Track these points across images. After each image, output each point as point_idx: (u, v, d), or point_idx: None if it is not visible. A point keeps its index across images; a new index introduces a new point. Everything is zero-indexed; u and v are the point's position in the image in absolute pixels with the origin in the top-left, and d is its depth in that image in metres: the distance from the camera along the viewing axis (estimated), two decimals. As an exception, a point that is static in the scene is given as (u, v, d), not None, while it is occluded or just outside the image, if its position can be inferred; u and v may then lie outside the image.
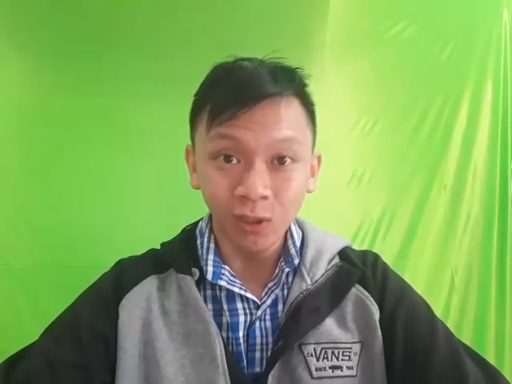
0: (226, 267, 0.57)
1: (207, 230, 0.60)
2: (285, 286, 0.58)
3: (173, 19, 1.10)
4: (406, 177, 1.27)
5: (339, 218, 1.21)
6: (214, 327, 0.53)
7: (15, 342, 0.58)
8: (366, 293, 0.57)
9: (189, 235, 0.63)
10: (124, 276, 0.58)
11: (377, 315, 0.55)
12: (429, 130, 1.28)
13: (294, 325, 0.54)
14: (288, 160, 0.51)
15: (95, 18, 1.08)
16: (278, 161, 0.51)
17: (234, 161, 0.51)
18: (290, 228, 0.61)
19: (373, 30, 1.28)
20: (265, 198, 0.50)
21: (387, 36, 1.27)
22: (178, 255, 0.59)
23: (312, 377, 0.52)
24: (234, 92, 0.50)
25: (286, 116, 0.51)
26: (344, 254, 0.62)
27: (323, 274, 0.58)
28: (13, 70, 1.11)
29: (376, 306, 0.56)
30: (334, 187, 1.21)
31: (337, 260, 0.61)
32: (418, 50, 1.29)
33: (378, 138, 1.26)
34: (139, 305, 0.55)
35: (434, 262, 1.26)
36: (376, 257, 0.63)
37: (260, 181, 0.49)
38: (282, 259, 0.59)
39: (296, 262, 0.58)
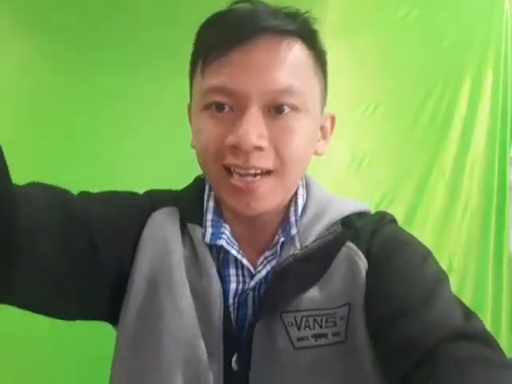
0: (227, 226, 0.53)
1: (207, 187, 0.56)
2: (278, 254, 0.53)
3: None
4: (406, 161, 1.27)
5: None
6: (216, 279, 0.50)
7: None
8: (356, 248, 0.51)
9: (199, 185, 0.58)
10: (157, 196, 0.57)
11: (364, 271, 0.50)
12: (429, 115, 1.28)
13: (278, 291, 0.50)
14: (287, 109, 0.46)
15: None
16: (276, 109, 0.46)
17: (227, 109, 0.46)
18: (296, 192, 0.55)
19: (375, 14, 1.28)
20: (259, 148, 0.45)
21: (390, 21, 1.28)
22: (188, 204, 0.55)
23: (294, 347, 0.48)
24: (228, 28, 0.45)
25: (287, 59, 0.45)
26: (348, 221, 0.54)
27: (315, 240, 0.52)
28: (14, 48, 1.11)
29: (364, 260, 0.50)
30: (333, 171, 1.21)
31: (337, 227, 0.53)
32: (420, 36, 1.29)
33: (379, 123, 1.27)
34: (165, 225, 0.53)
35: (433, 246, 1.25)
36: (385, 215, 0.56)
37: (253, 129, 0.44)
38: (281, 227, 0.54)
39: (293, 231, 0.52)
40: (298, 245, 0.52)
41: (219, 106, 0.46)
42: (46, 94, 1.11)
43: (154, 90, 1.12)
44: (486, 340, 0.42)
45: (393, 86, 1.28)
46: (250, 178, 0.46)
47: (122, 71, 1.11)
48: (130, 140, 1.14)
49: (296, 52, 0.46)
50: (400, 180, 1.26)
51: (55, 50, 1.09)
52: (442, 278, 0.49)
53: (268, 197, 0.48)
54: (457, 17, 1.32)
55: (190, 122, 0.55)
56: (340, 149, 1.23)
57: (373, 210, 0.59)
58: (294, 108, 0.46)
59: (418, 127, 1.28)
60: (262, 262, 0.53)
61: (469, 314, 0.45)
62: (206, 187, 0.57)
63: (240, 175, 0.46)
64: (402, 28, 1.28)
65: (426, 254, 0.51)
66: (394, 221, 0.57)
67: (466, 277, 1.29)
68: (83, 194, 0.52)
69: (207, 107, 0.47)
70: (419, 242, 0.54)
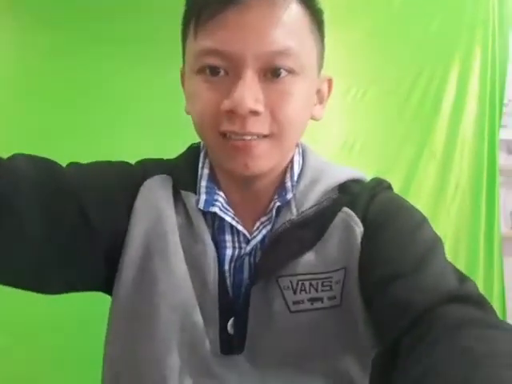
0: (221, 193, 0.53)
1: (202, 154, 0.56)
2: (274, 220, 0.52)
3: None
4: (397, 145, 1.28)
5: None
6: (210, 245, 0.50)
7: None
8: (352, 213, 0.50)
9: (193, 153, 0.57)
10: (149, 165, 0.56)
11: (360, 236, 0.49)
12: (419, 98, 1.30)
13: (274, 256, 0.49)
14: (283, 72, 0.44)
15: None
16: (272, 73, 0.44)
17: (222, 73, 0.44)
18: (292, 158, 0.54)
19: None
20: (255, 113, 0.44)
21: (378, 5, 1.28)
22: (182, 171, 0.55)
23: (290, 310, 0.49)
24: None
25: (283, 19, 0.44)
26: (345, 187, 0.53)
27: (313, 206, 0.51)
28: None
29: (360, 225, 0.50)
30: (326, 155, 1.20)
31: (334, 193, 0.53)
32: (409, 19, 1.30)
33: (369, 107, 1.27)
34: (157, 192, 0.52)
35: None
36: (381, 181, 0.56)
37: (249, 93, 0.43)
38: (277, 193, 0.53)
39: (289, 196, 0.51)
40: (294, 210, 0.51)
41: (213, 70, 0.45)
42: (27, 81, 1.10)
43: (143, 80, 1.12)
44: (479, 302, 0.42)
45: (382, 70, 1.28)
46: (247, 137, 0.45)
47: (109, 60, 1.11)
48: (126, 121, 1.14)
49: (292, 12, 0.45)
50: (391, 163, 1.27)
51: (49, 41, 1.09)
52: (435, 243, 0.48)
53: (265, 157, 0.47)
54: (444, 1, 1.33)
55: (183, 86, 0.53)
56: (332, 133, 1.23)
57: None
58: (291, 71, 0.45)
59: (407, 110, 1.29)
60: (257, 228, 0.52)
61: (462, 279, 0.44)
62: (201, 154, 0.56)
63: (237, 139, 0.46)
64: (391, 12, 1.28)
65: (421, 220, 0.51)
66: (390, 187, 0.57)
67: (457, 259, 1.31)
68: (73, 164, 0.51)
69: (201, 71, 0.46)
70: (415, 208, 0.53)
